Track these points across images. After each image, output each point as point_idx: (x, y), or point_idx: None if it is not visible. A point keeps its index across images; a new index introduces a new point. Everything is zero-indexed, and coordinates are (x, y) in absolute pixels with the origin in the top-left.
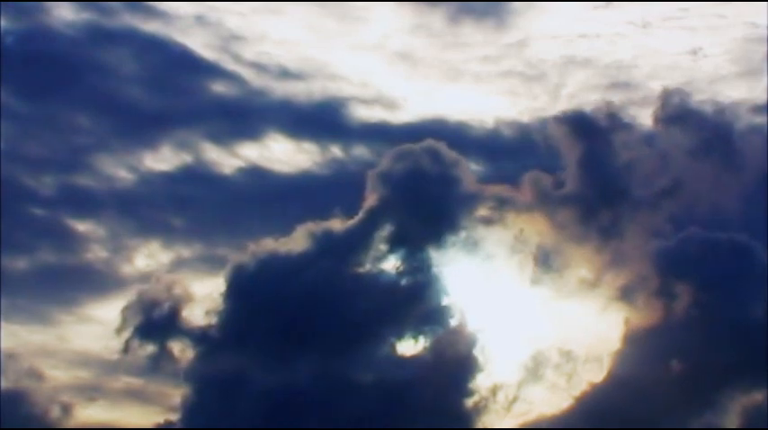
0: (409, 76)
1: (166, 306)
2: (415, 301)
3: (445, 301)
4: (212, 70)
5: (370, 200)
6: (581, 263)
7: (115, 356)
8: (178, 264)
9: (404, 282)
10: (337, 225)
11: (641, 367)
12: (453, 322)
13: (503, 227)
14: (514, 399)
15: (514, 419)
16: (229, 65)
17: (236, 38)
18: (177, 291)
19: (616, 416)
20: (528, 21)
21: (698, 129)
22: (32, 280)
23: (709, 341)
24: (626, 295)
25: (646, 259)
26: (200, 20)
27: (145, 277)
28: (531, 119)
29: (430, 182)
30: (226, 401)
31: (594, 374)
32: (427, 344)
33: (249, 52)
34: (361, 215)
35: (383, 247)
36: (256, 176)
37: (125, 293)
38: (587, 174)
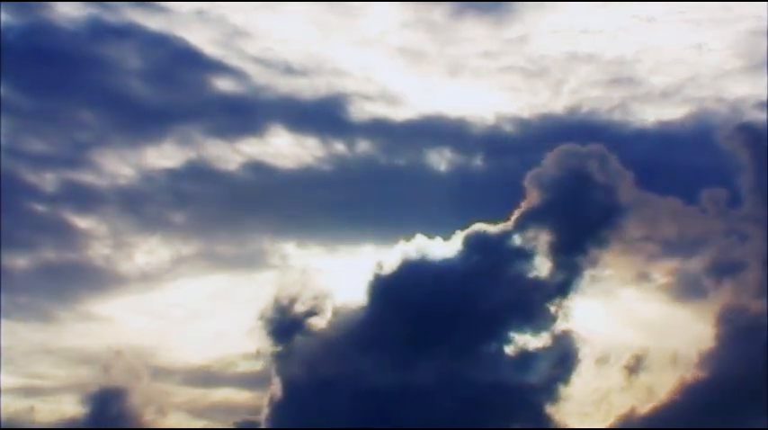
0: (411, 72)
1: (299, 305)
2: (545, 302)
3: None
4: (215, 66)
5: (528, 200)
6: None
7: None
8: (180, 261)
9: (547, 284)
10: (491, 227)
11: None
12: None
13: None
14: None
15: (613, 418)
16: (232, 61)
17: (238, 34)
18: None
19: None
20: (529, 16)
21: None
22: (33, 277)
23: None
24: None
25: None
26: (202, 16)
27: (146, 275)
28: (532, 115)
29: (590, 186)
30: (340, 401)
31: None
32: (544, 344)
33: (252, 48)
34: (517, 215)
35: (536, 250)
36: (259, 172)
37: (127, 290)
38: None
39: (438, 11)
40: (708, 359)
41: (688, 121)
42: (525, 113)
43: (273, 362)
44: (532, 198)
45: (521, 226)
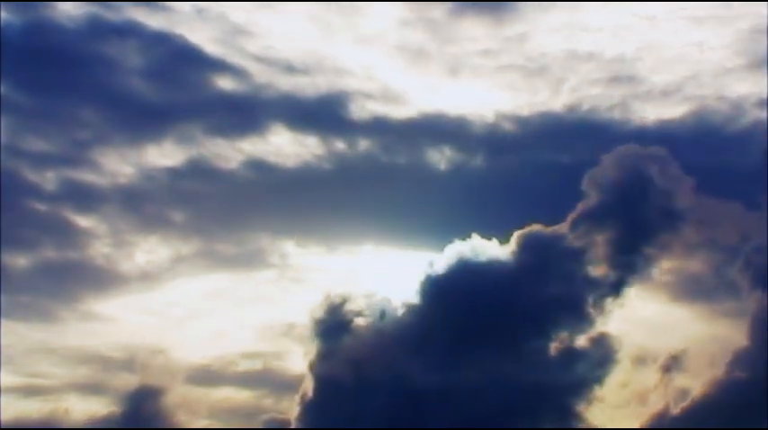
0: (411, 71)
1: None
2: (595, 304)
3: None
4: (215, 64)
5: (586, 201)
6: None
7: None
8: (181, 260)
9: (599, 285)
10: (544, 228)
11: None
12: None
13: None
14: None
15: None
16: (232, 59)
17: (239, 32)
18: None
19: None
20: (529, 14)
21: None
22: (34, 276)
23: None
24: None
25: None
26: (203, 14)
27: (147, 273)
28: (532, 113)
29: (648, 188)
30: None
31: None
32: (588, 344)
33: (253, 47)
34: (574, 215)
35: (590, 251)
36: (260, 170)
37: (128, 289)
38: None
39: (438, 9)
40: (742, 359)
41: (688, 120)
42: (525, 112)
43: (319, 361)
44: (590, 199)
45: (577, 226)
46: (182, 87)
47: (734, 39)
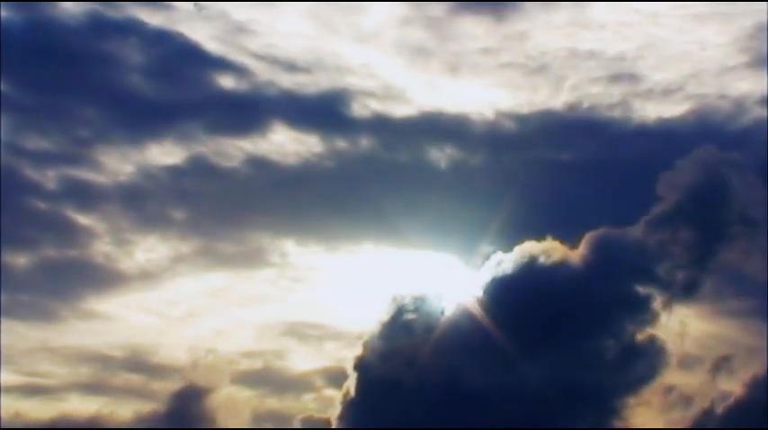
0: (412, 69)
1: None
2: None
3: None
4: (216, 62)
5: (662, 204)
6: None
7: None
8: (181, 259)
9: (668, 287)
10: (619, 230)
11: None
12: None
13: None
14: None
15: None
16: (233, 57)
17: (240, 30)
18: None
19: None
20: (529, 12)
21: None
22: (34, 275)
23: None
24: None
25: None
26: (204, 12)
27: (147, 272)
28: (533, 111)
29: (724, 193)
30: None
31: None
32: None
33: (253, 45)
34: (648, 218)
35: (663, 254)
36: (260, 168)
37: (128, 288)
38: None
39: (438, 7)
40: None
41: (690, 118)
42: (525, 110)
43: (376, 361)
44: (665, 201)
45: (651, 229)
46: (182, 85)
47: (736, 37)
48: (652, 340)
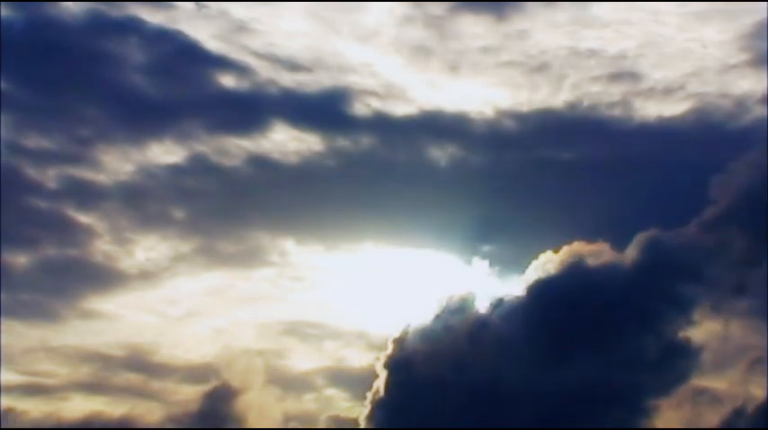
0: (412, 67)
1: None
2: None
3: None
4: (217, 61)
5: (713, 206)
6: None
7: None
8: (181, 258)
9: (717, 289)
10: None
11: None
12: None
13: None
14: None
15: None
16: (234, 56)
17: (241, 29)
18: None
19: None
20: (530, 11)
21: None
22: (34, 274)
23: None
24: None
25: None
26: (205, 11)
27: (148, 271)
28: (533, 110)
29: None
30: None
31: None
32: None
33: (254, 43)
34: (699, 220)
35: (714, 255)
36: (261, 167)
37: (129, 287)
38: None
39: (438, 6)
40: None
41: (690, 117)
42: (525, 108)
43: (415, 361)
44: (717, 204)
45: (704, 231)
46: (183, 84)
47: (737, 35)
48: (688, 341)
